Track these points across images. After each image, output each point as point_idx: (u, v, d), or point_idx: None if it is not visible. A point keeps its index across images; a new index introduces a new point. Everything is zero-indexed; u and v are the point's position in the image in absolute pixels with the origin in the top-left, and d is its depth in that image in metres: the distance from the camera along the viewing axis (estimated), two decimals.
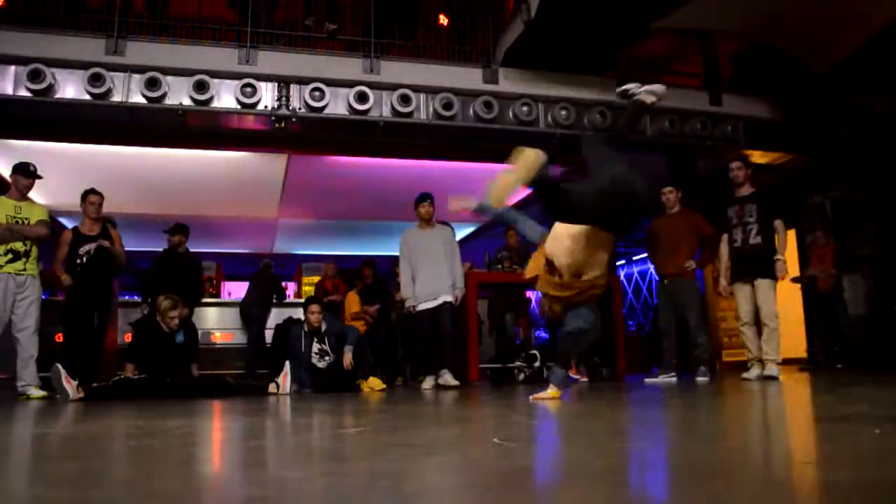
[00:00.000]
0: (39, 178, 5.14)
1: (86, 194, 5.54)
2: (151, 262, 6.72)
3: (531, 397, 3.45)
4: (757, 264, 5.16)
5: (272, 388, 4.89)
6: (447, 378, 5.49)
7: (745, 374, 5.19)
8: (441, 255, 5.67)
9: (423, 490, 1.16)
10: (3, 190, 5.24)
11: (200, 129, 6.78)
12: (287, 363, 5.06)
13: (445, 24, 7.95)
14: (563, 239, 3.28)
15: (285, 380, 4.91)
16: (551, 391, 3.45)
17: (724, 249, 5.42)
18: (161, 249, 6.74)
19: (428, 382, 5.54)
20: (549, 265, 3.34)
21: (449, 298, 5.62)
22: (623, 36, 6.73)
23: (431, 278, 5.60)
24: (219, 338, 7.90)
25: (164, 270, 6.42)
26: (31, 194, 5.31)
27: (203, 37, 6.59)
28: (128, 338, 7.43)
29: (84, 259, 5.39)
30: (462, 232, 10.55)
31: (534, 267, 3.48)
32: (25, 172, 5.03)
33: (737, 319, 5.42)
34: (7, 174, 5.21)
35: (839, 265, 7.33)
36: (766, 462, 1.40)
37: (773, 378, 4.86)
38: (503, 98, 6.93)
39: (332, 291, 7.88)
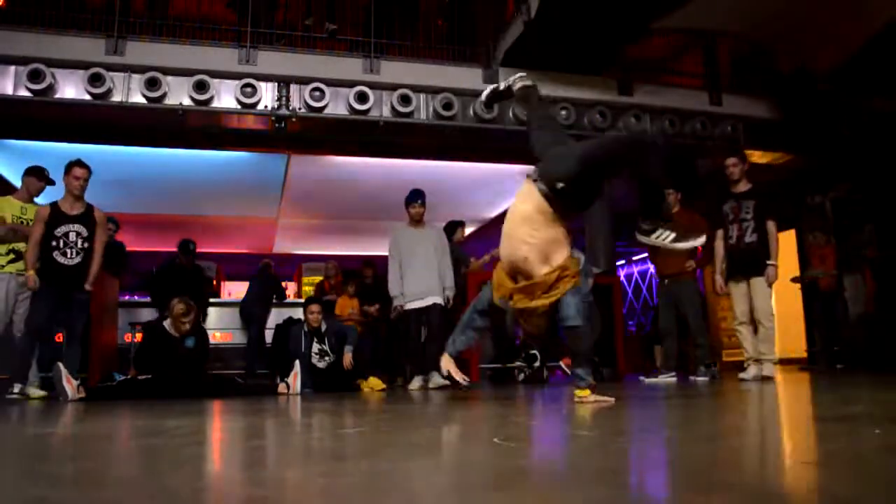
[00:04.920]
0: (52, 183, 5.16)
1: (70, 166, 4.87)
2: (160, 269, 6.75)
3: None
4: (753, 262, 5.06)
5: (282, 388, 4.86)
6: (437, 380, 5.27)
7: (742, 374, 5.13)
8: (431, 256, 5.61)
9: (423, 490, 1.16)
10: (2, 191, 5.26)
11: (200, 129, 6.79)
12: (297, 363, 5.02)
13: (445, 23, 7.95)
14: (517, 230, 3.06)
15: (295, 380, 4.87)
16: (582, 391, 3.07)
17: (719, 246, 5.30)
18: (165, 251, 6.78)
19: (415, 383, 5.46)
20: (513, 277, 3.11)
21: (438, 300, 5.55)
22: (623, 36, 6.74)
23: (420, 278, 5.54)
24: (219, 338, 7.90)
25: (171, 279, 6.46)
26: None
27: (203, 37, 6.60)
28: (128, 338, 7.46)
29: (61, 242, 4.72)
30: None
31: (499, 286, 3.16)
32: (40, 176, 5.11)
33: (734, 319, 5.38)
34: (7, 174, 5.24)
35: (839, 265, 7.33)
36: (767, 462, 1.40)
37: (769, 378, 4.83)
38: None
39: (329, 291, 7.89)
